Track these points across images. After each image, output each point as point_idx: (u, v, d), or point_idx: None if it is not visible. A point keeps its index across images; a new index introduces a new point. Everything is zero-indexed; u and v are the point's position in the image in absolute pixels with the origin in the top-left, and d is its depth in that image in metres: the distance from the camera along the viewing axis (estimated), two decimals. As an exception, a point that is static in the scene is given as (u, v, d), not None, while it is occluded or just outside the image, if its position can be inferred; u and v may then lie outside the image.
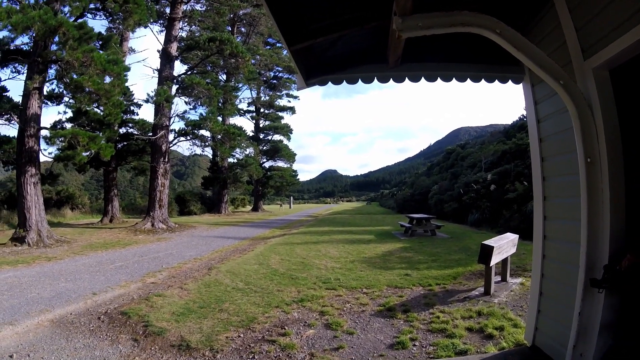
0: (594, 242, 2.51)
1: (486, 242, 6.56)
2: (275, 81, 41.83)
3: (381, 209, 43.29)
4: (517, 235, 7.75)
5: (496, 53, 3.23)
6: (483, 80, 3.92)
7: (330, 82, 3.71)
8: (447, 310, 5.55)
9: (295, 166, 44.36)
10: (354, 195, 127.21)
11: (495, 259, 6.32)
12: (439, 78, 3.84)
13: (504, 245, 6.85)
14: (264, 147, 40.89)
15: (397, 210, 34.44)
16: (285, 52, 38.70)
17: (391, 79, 3.75)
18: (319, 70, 3.62)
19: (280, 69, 40.17)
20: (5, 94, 14.94)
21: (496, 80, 3.93)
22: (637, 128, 2.67)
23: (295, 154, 42.29)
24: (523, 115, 36.75)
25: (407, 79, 3.77)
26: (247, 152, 34.44)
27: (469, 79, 3.91)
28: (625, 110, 2.60)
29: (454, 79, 3.87)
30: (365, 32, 3.33)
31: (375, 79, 3.74)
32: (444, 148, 64.24)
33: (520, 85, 3.94)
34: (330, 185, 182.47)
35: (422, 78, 3.81)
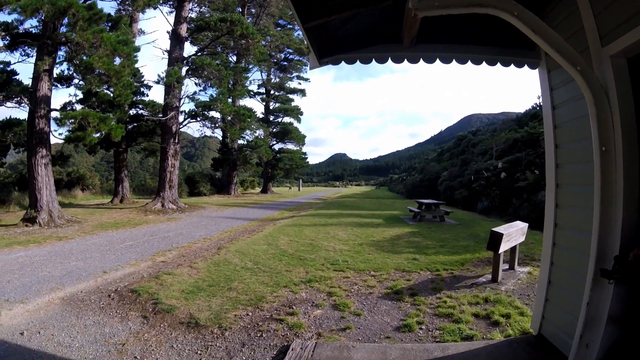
0: (605, 231, 2.48)
1: (496, 229, 6.53)
2: (285, 63, 41.51)
3: (390, 194, 43.23)
4: (527, 224, 7.70)
5: (513, 36, 3.16)
6: (499, 63, 3.83)
7: (343, 62, 3.64)
8: (454, 296, 5.57)
9: (304, 149, 44.32)
10: (363, 180, 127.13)
11: (504, 247, 6.29)
12: (454, 60, 3.75)
13: (513, 233, 6.81)
14: (274, 129, 40.80)
15: (405, 196, 34.37)
16: (296, 33, 38.39)
17: (405, 60, 3.68)
18: (332, 49, 3.56)
19: (290, 50, 39.81)
20: (14, 77, 15.06)
21: (512, 64, 3.84)
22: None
23: (305, 137, 42.17)
24: (536, 103, 36.22)
25: (421, 59, 3.70)
26: (257, 134, 34.47)
27: (484, 62, 3.82)
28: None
29: (469, 61, 3.78)
30: (380, 11, 3.26)
31: (390, 59, 3.66)
32: (455, 134, 63.59)
33: (536, 70, 3.85)
34: (339, 168, 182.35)
35: (437, 59, 3.73)
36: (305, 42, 3.13)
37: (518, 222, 7.74)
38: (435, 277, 6.66)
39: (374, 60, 3.65)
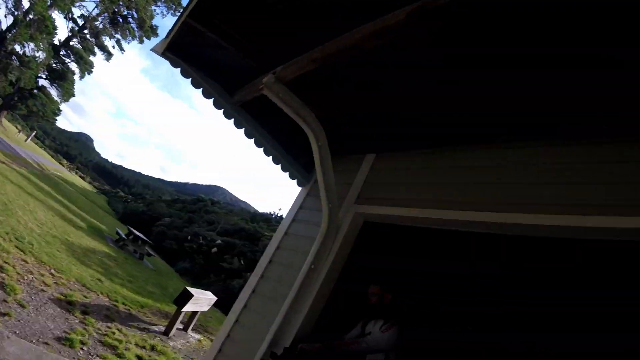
0: (286, 325, 3.14)
1: (189, 288, 6.93)
2: (121, 20, 36.17)
3: (106, 207, 39.52)
4: (216, 298, 8.38)
5: (306, 154, 3.93)
6: (280, 165, 4.55)
7: (180, 68, 3.55)
8: (125, 332, 5.51)
9: (62, 106, 37.59)
10: (91, 176, 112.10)
11: (189, 307, 6.68)
12: (254, 139, 4.26)
13: (202, 300, 7.32)
14: (54, 64, 33.68)
15: (119, 217, 32.02)
16: (153, 7, 35.11)
17: (223, 110, 3.94)
18: (183, 51, 3.45)
19: (135, 15, 35.14)
20: None
21: (288, 173, 4.61)
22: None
23: (73, 95, 36.09)
24: (273, 212, 40.85)
25: (233, 119, 4.01)
26: (37, 54, 27.62)
27: (272, 157, 4.47)
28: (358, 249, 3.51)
29: (263, 148, 4.37)
30: (245, 61, 3.45)
31: (218, 105, 3.89)
32: (197, 193, 65.17)
33: (298, 187, 4.67)
34: (77, 150, 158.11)
35: (244, 129, 4.16)
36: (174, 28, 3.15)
37: (210, 293, 8.35)
38: (112, 306, 6.43)
39: (206, 93, 3.78)
